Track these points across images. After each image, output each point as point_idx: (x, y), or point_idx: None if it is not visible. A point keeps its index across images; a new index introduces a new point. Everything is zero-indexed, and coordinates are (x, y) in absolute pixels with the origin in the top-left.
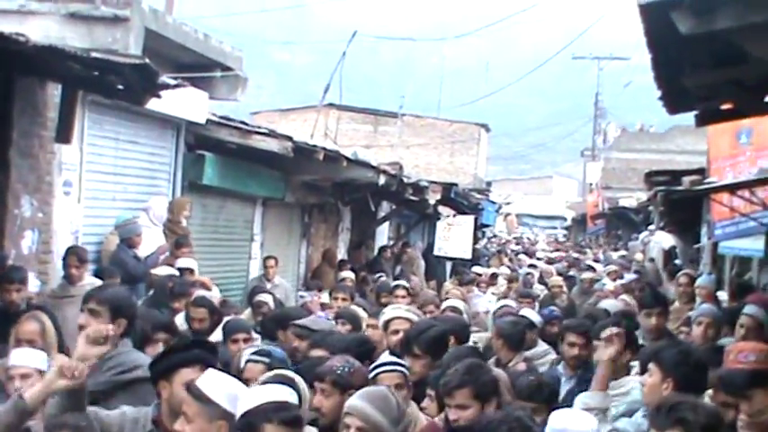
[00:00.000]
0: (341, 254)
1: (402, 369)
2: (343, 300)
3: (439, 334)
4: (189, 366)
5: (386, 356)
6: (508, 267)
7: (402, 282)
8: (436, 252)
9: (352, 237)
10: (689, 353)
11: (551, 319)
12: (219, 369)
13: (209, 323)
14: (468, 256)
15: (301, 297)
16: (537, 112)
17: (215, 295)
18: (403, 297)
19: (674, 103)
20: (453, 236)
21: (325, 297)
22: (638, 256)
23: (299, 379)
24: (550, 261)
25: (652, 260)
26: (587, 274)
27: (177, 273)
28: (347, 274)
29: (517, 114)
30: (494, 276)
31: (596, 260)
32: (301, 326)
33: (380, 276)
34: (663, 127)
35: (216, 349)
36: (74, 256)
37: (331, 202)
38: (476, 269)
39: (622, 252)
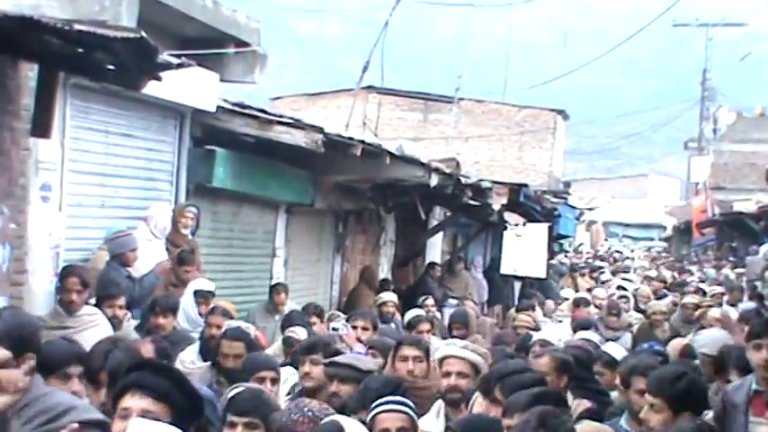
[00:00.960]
0: (383, 272)
1: (408, 411)
2: (364, 329)
3: (536, 380)
4: (131, 393)
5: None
6: (588, 289)
7: (422, 313)
8: (504, 270)
9: (397, 251)
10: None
11: (655, 353)
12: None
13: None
14: (542, 274)
15: (334, 329)
16: (628, 95)
17: (251, 327)
18: (428, 331)
19: None
20: (523, 249)
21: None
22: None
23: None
24: (648, 280)
25: None
26: (691, 298)
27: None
28: (388, 297)
29: (603, 98)
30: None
31: (702, 280)
32: (344, 364)
33: (426, 299)
34: None
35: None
36: (75, 277)
37: (371, 208)
38: (565, 292)
39: (739, 270)
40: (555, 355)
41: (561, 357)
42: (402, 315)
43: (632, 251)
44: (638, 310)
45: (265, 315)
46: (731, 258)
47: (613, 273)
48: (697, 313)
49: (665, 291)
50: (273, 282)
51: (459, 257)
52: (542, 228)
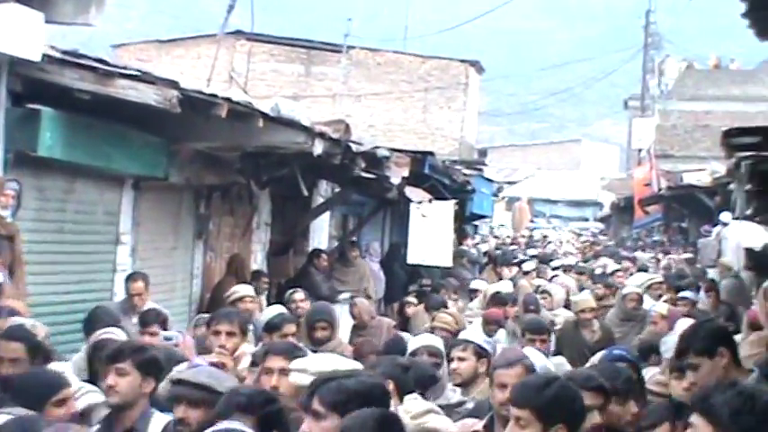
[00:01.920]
0: (256, 262)
1: None
2: (229, 335)
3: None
4: None
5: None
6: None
7: (286, 315)
8: (411, 258)
9: (274, 236)
10: (753, 398)
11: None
12: None
13: (26, 365)
14: (447, 262)
15: (167, 339)
16: (556, 43)
17: (38, 327)
18: (294, 334)
19: (766, 21)
20: (429, 233)
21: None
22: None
23: None
24: (580, 273)
25: (733, 274)
26: (630, 288)
27: None
28: (245, 291)
29: (526, 47)
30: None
31: (642, 269)
32: (194, 383)
33: (293, 293)
34: (750, 61)
35: None
36: None
37: (240, 182)
38: (476, 283)
39: (688, 255)
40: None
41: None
42: None
43: (559, 232)
44: (567, 306)
45: (123, 317)
46: (683, 242)
47: (541, 261)
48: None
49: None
50: (119, 274)
51: (354, 243)
52: (447, 205)
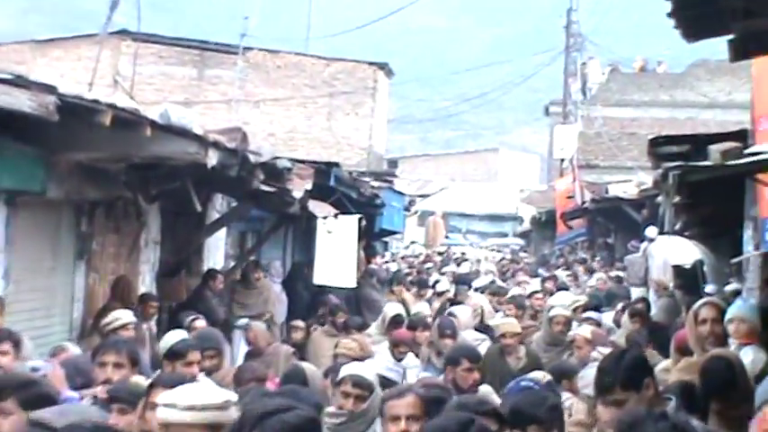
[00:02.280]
0: (144, 285)
1: None
2: (117, 366)
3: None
4: None
5: None
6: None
7: (190, 341)
8: (318, 279)
9: (164, 255)
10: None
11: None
12: None
13: None
14: (351, 283)
15: (33, 370)
16: (472, 43)
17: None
18: (198, 362)
19: (695, 23)
20: (335, 251)
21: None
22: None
23: None
24: (495, 294)
25: (669, 293)
26: (558, 311)
27: None
28: (120, 317)
29: (439, 47)
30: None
31: (562, 288)
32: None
33: (194, 320)
34: (678, 64)
35: None
36: None
37: (127, 197)
38: (389, 307)
39: (616, 273)
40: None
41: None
42: None
43: (478, 249)
44: (482, 329)
45: None
46: (609, 258)
47: (457, 281)
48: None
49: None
50: None
51: (257, 263)
52: (351, 220)
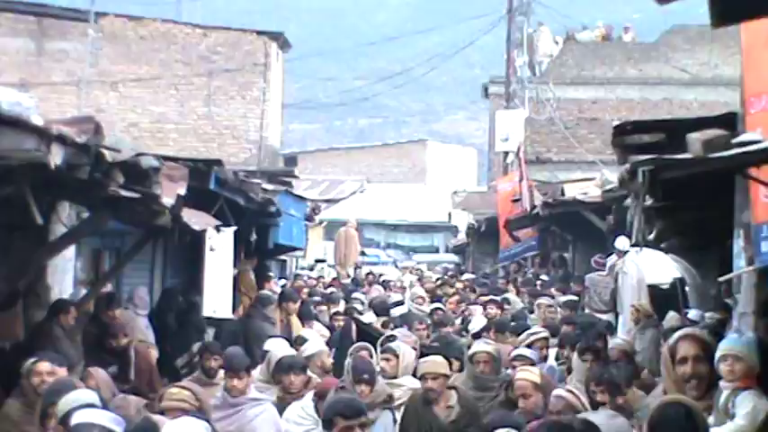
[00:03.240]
0: None
1: None
2: None
3: None
4: None
5: None
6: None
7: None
8: (208, 311)
9: None
10: None
11: None
12: None
13: None
14: (225, 312)
15: None
16: (389, 8)
17: None
18: None
19: None
20: (218, 274)
21: None
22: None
23: None
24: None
25: (654, 321)
26: (479, 347)
27: None
28: None
29: (348, 13)
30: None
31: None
32: None
33: (35, 362)
34: (650, 32)
35: None
36: None
37: None
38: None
39: (569, 297)
40: None
41: None
42: None
43: (401, 271)
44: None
45: None
46: (564, 278)
47: (376, 311)
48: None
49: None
50: None
51: (111, 297)
52: (226, 235)
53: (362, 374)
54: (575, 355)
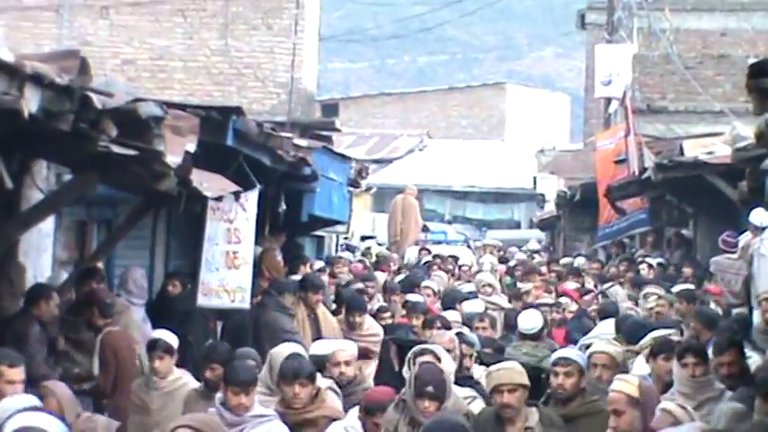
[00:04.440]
0: None
1: None
2: None
3: None
4: None
5: None
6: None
7: None
8: (205, 299)
9: None
10: None
11: None
12: None
13: None
14: (243, 303)
15: None
16: None
17: None
18: None
19: None
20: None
21: None
22: None
23: None
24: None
25: None
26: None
27: None
28: None
29: None
30: None
31: (608, 315)
32: None
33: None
34: None
35: None
36: None
37: None
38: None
39: (684, 287)
40: None
41: None
42: None
43: (478, 253)
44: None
45: None
46: (682, 260)
47: (444, 303)
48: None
49: None
50: None
51: (93, 272)
52: (250, 200)
53: (426, 386)
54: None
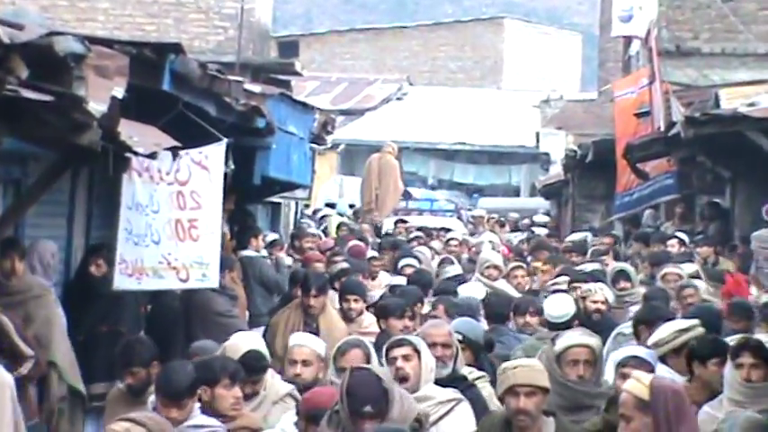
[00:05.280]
0: None
1: None
2: None
3: None
4: None
5: None
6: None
7: None
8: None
9: None
10: None
11: None
12: None
13: None
14: (205, 281)
15: None
16: None
17: None
18: None
19: None
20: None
21: None
22: None
23: None
24: None
25: None
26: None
27: None
28: None
29: None
30: None
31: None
32: None
33: None
34: None
35: None
36: None
37: None
38: None
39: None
40: None
41: None
42: None
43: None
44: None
45: None
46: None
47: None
48: None
49: None
50: None
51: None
52: (216, 153)
53: (363, 406)
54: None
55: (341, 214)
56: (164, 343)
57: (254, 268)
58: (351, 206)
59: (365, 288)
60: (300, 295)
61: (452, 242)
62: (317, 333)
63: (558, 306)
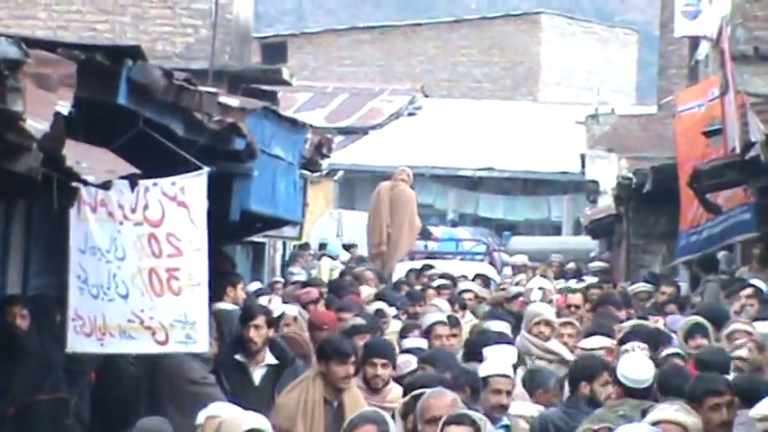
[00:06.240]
0: None
1: None
2: None
3: None
4: None
5: None
6: None
7: None
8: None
9: None
10: None
11: None
12: None
13: None
14: (191, 345)
15: None
16: None
17: None
18: None
19: None
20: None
21: None
22: None
23: None
24: None
25: None
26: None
27: None
28: None
29: None
30: None
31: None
32: None
33: None
34: None
35: None
36: None
37: None
38: None
39: None
40: None
41: None
42: None
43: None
44: None
45: None
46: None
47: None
48: None
49: None
50: None
51: None
52: (197, 185)
53: None
54: None
55: (332, 257)
56: (120, 420)
57: (231, 325)
58: (346, 247)
59: (395, 351)
60: (324, 365)
61: (466, 295)
62: (341, 413)
63: (638, 369)
